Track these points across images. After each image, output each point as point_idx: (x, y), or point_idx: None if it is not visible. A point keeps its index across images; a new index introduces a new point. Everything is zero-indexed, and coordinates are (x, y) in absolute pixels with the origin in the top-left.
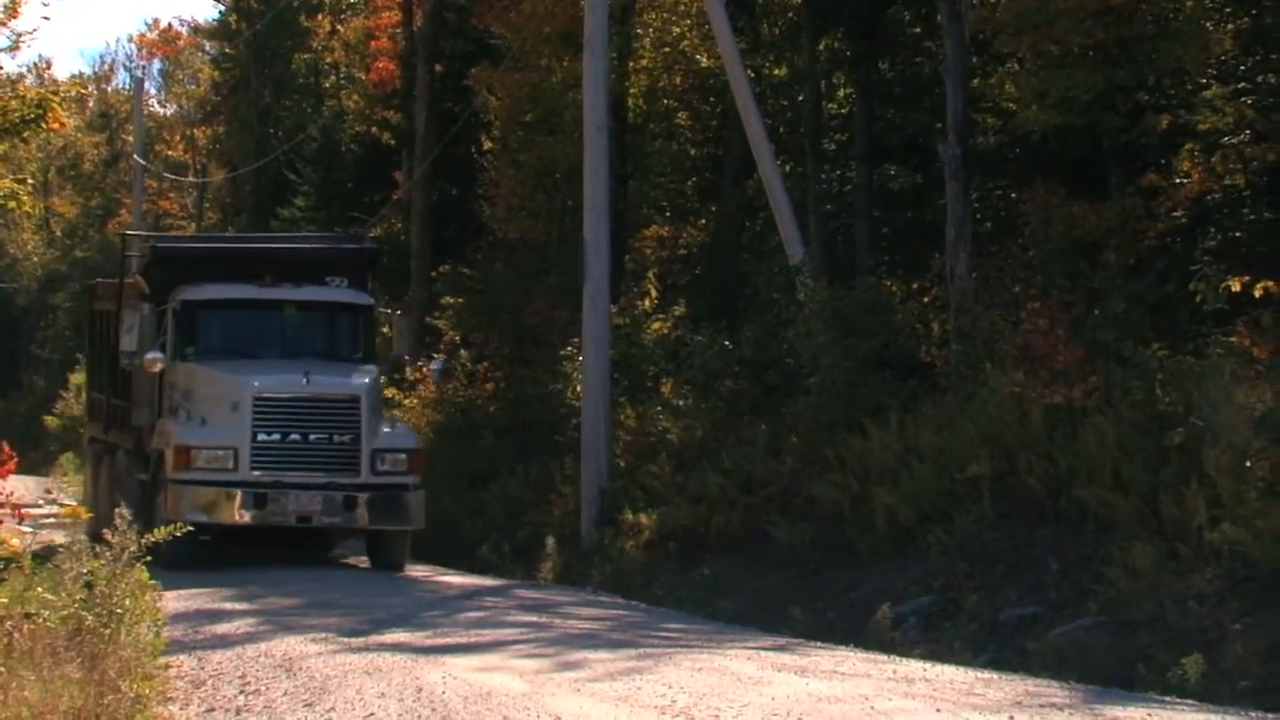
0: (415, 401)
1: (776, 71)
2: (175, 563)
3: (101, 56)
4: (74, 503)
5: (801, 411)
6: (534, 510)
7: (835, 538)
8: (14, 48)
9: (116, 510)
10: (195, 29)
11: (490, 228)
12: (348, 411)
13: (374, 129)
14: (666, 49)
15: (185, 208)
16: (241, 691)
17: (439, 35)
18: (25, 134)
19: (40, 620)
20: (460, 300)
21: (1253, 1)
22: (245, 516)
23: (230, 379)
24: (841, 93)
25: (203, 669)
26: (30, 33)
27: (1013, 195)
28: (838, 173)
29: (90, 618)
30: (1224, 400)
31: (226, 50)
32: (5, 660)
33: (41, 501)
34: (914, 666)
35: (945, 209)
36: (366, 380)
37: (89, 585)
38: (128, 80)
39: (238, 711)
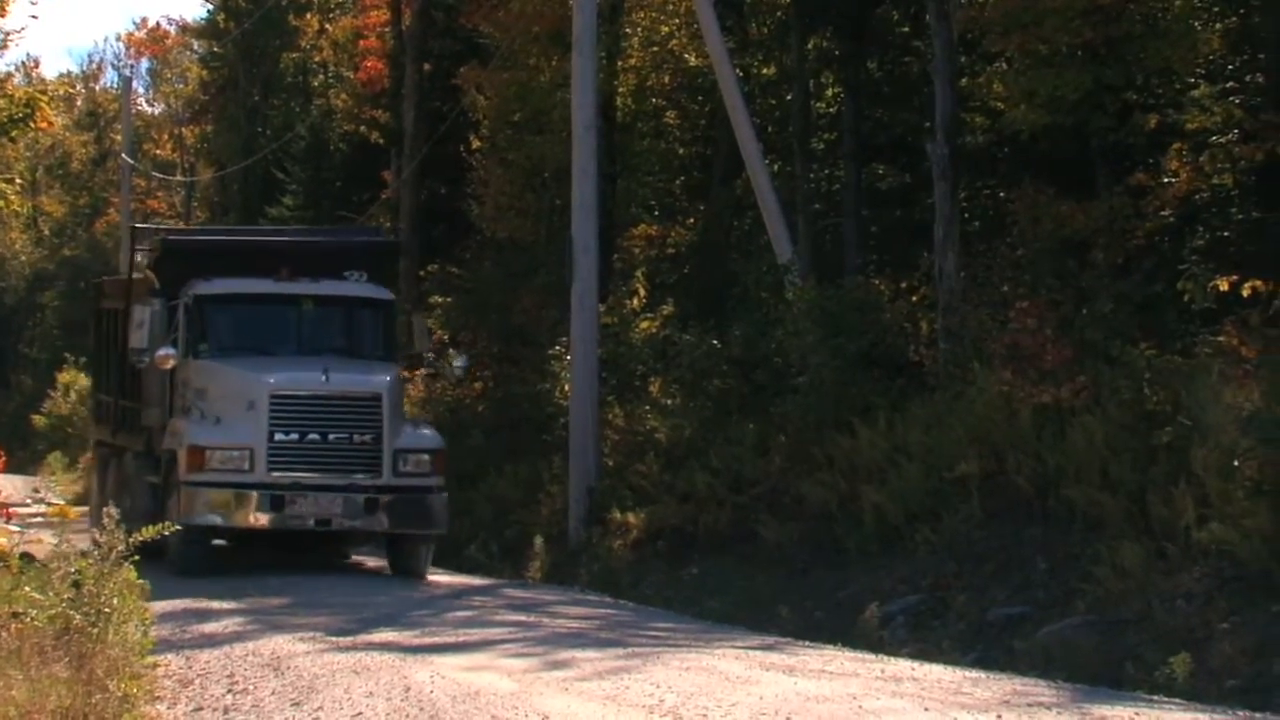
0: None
1: (765, 71)
2: (188, 569)
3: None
4: (62, 501)
5: (790, 411)
6: (522, 509)
7: (823, 537)
8: (2, 47)
9: (105, 510)
10: (183, 28)
11: (478, 227)
12: (369, 410)
13: (362, 128)
14: (655, 48)
15: (173, 207)
16: (229, 690)
17: (427, 34)
18: (13, 133)
19: (28, 619)
20: (448, 299)
21: (1241, 1)
22: (262, 520)
23: (246, 376)
24: (830, 92)
25: (190, 668)
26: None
27: (1001, 194)
28: (826, 172)
29: (78, 617)
30: (1212, 400)
31: (214, 49)
32: None
33: (29, 501)
34: (902, 665)
35: (933, 208)
36: (388, 378)
37: (77, 584)
38: (116, 79)
39: (225, 710)
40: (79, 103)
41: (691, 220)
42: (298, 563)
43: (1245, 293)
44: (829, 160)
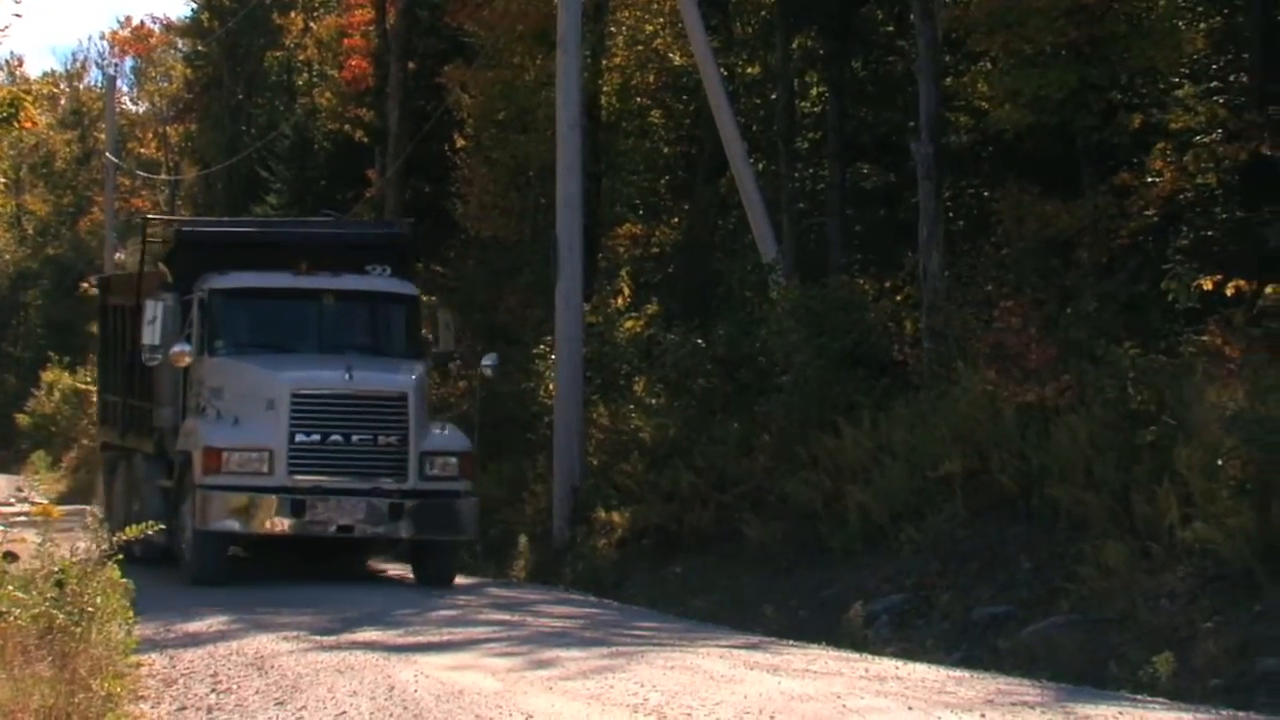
0: None
1: (749, 70)
2: (203, 577)
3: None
4: (46, 501)
5: (774, 410)
6: (506, 508)
7: (807, 536)
8: None
9: (88, 510)
10: (167, 26)
11: (463, 226)
12: (394, 410)
13: (347, 126)
14: (639, 47)
15: (158, 205)
16: (213, 690)
17: (412, 33)
18: None
19: (11, 619)
20: (433, 298)
21: (1224, 1)
22: (282, 525)
23: (265, 374)
24: (814, 91)
25: (174, 667)
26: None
27: (985, 194)
28: (810, 171)
29: (61, 616)
30: (1196, 399)
31: (199, 48)
32: None
33: (13, 500)
34: (886, 665)
35: (918, 207)
36: (414, 376)
37: (60, 584)
38: (100, 78)
39: (209, 710)
40: (63, 101)
41: (676, 219)
42: (316, 571)
43: (1229, 292)
44: (813, 159)
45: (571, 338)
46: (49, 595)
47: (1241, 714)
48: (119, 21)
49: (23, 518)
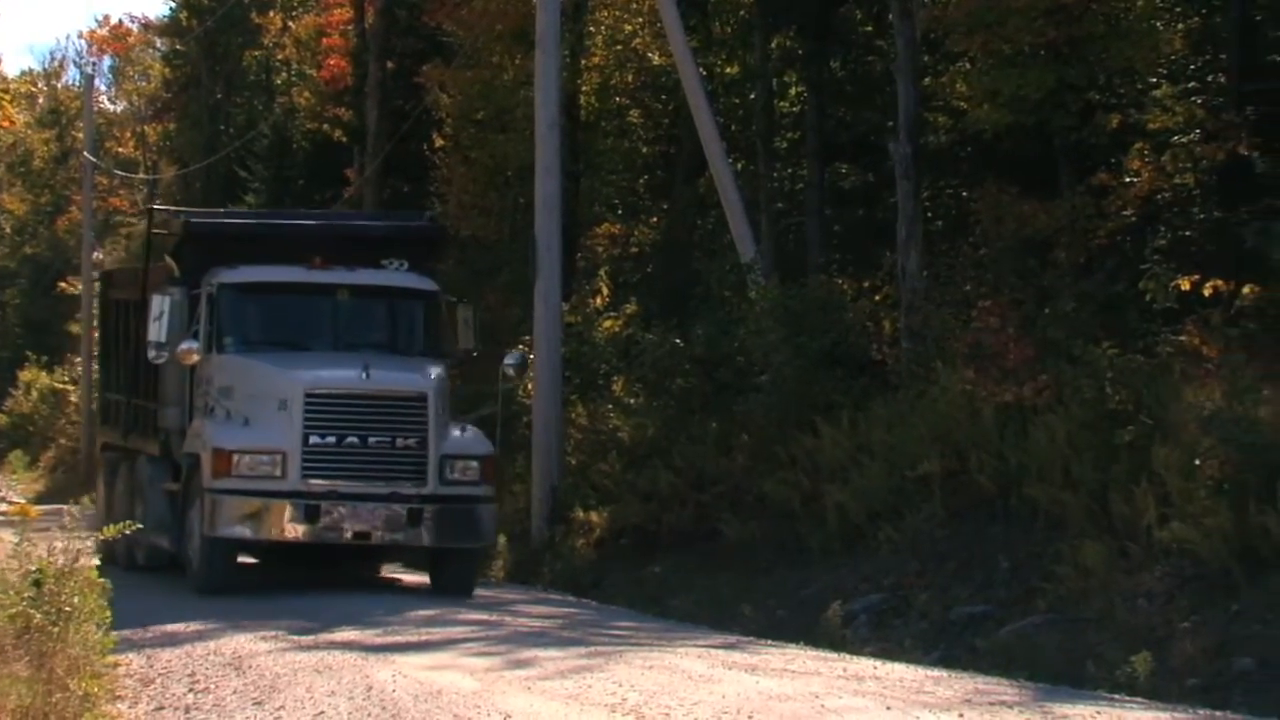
0: None
1: (728, 69)
2: (211, 585)
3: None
4: (23, 500)
5: (752, 409)
6: None
7: (786, 536)
8: None
9: (67, 509)
10: (146, 25)
11: (442, 225)
12: (413, 411)
13: (325, 126)
14: (618, 47)
15: (136, 204)
16: (191, 690)
17: (390, 32)
18: None
19: None
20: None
21: (1202, 1)
22: (295, 531)
23: (277, 373)
24: (793, 91)
25: (152, 667)
26: None
27: (964, 194)
28: (789, 171)
29: (38, 615)
30: (1173, 399)
31: (177, 47)
32: None
33: None
34: (864, 664)
35: (896, 207)
36: (433, 376)
37: (37, 583)
38: (78, 77)
39: (187, 710)
40: (40, 100)
41: (655, 219)
42: (310, 575)
43: (1207, 292)
44: (792, 159)
45: (550, 337)
46: (26, 595)
47: (1219, 714)
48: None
49: (0, 517)
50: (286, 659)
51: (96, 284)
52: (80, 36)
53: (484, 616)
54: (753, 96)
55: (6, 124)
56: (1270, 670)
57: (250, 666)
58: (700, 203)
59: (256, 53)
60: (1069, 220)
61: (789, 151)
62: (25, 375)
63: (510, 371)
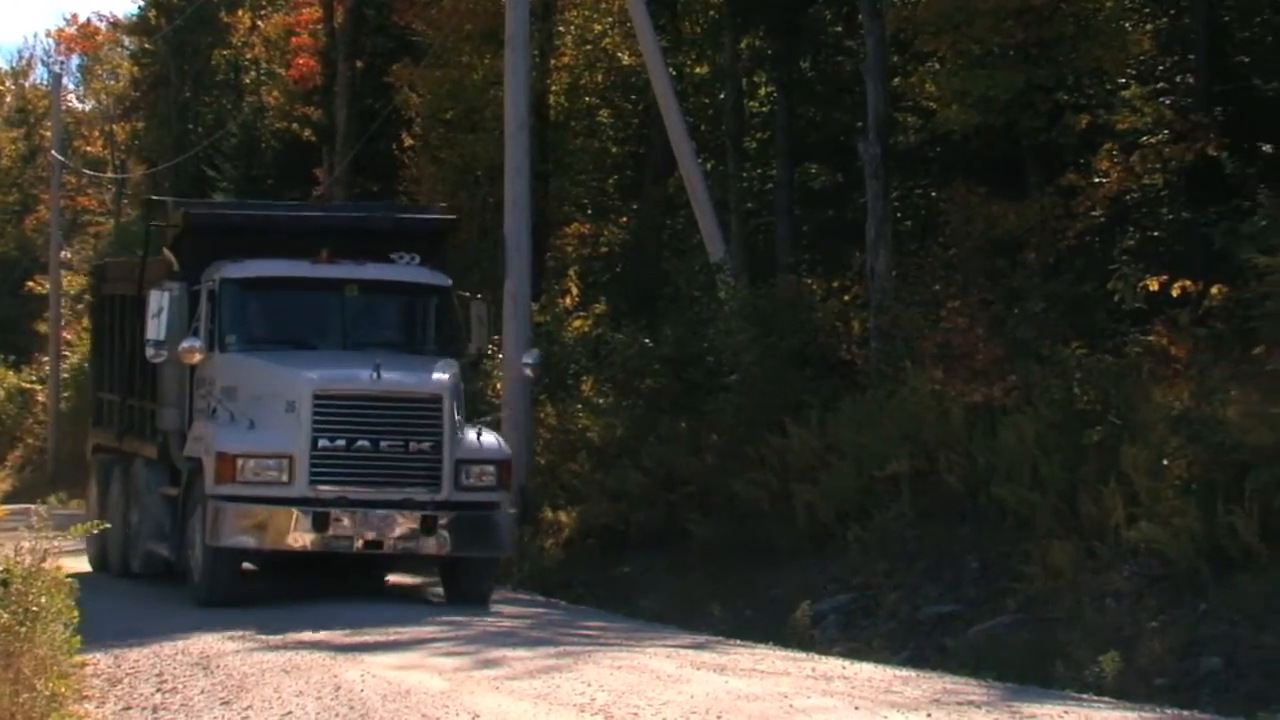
0: None
1: (698, 69)
2: (214, 597)
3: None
4: None
5: (722, 409)
6: None
7: (755, 535)
8: None
9: (34, 509)
10: (114, 24)
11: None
12: (428, 413)
13: (294, 125)
14: (588, 46)
15: (104, 204)
16: (158, 689)
17: (360, 32)
18: None
19: None
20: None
21: (1171, 2)
22: (303, 540)
23: (284, 373)
24: (762, 91)
25: (119, 667)
26: None
27: (933, 194)
28: (759, 171)
29: (5, 615)
30: (1142, 399)
31: (145, 46)
32: None
33: None
34: (833, 664)
35: (866, 207)
36: (448, 376)
37: (4, 583)
38: (46, 75)
39: (154, 710)
40: (8, 99)
41: (624, 219)
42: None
43: (1175, 293)
44: (761, 159)
45: (519, 337)
46: None
47: (1186, 713)
48: (65, 19)
49: None
50: (254, 659)
51: (88, 278)
52: (48, 35)
53: (452, 616)
54: (722, 96)
55: None
56: (1237, 670)
57: (218, 666)
58: (669, 202)
59: (225, 52)
60: (1038, 220)
61: (758, 151)
62: None
63: (528, 372)
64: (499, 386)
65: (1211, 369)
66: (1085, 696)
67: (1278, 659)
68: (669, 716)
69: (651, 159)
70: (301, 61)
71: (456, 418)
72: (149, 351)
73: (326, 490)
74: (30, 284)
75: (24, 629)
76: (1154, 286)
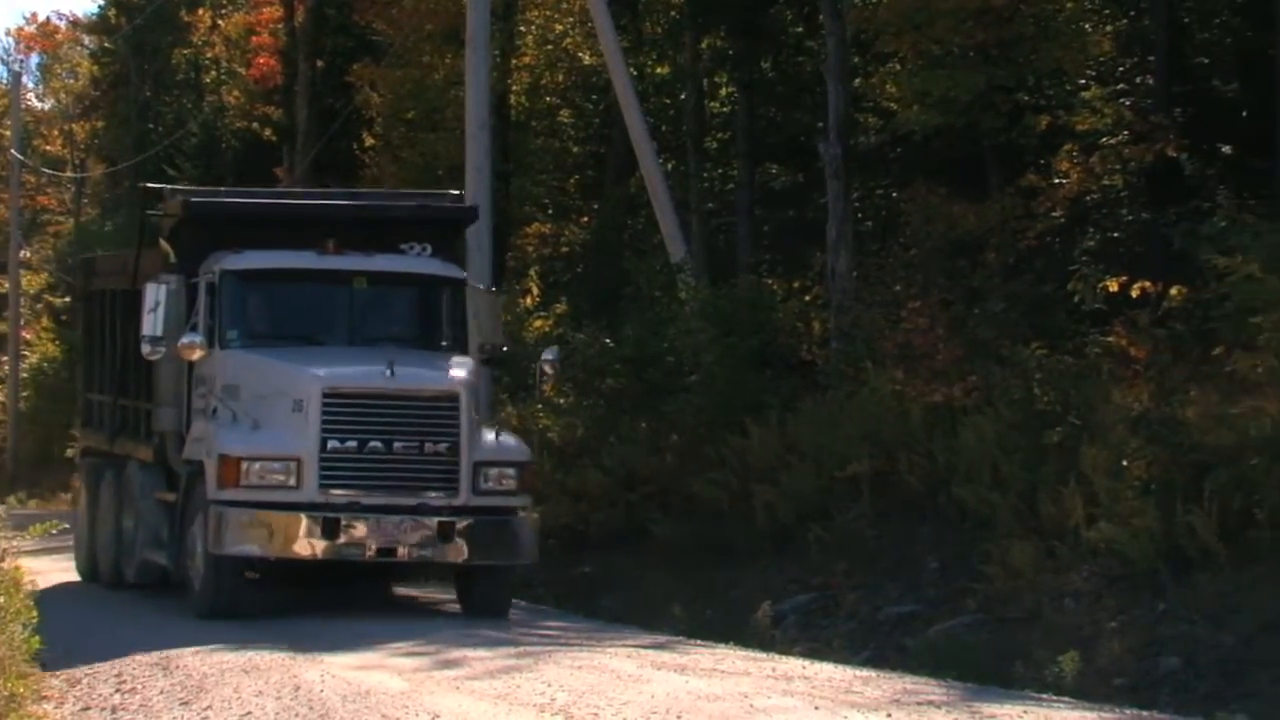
0: None
1: (659, 70)
2: (216, 608)
3: None
4: None
5: (682, 409)
6: None
7: (715, 536)
8: None
9: None
10: (74, 23)
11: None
12: (444, 413)
13: (255, 125)
14: (549, 46)
15: (64, 203)
16: (117, 690)
17: (320, 31)
18: None
19: None
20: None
21: (1130, 3)
22: (312, 548)
23: (292, 370)
24: (723, 91)
25: (78, 667)
26: None
27: (894, 195)
28: (719, 171)
29: None
30: (1101, 399)
31: (106, 45)
32: None
33: None
34: (793, 664)
35: (826, 208)
36: (465, 374)
37: None
38: (5, 74)
39: (113, 710)
40: None
41: (585, 219)
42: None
43: (1134, 293)
44: (722, 159)
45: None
46: None
47: (1145, 713)
48: (25, 18)
49: None
50: (214, 659)
51: (78, 274)
52: (8, 33)
53: (412, 617)
54: (683, 97)
55: None
56: (1196, 669)
57: (177, 666)
58: (630, 202)
59: (186, 51)
60: (998, 221)
61: (719, 152)
62: None
63: (548, 369)
64: None
65: (1171, 370)
66: (1045, 696)
67: (1236, 659)
68: (629, 717)
69: (612, 159)
70: (262, 61)
71: (475, 417)
72: (145, 348)
73: (337, 495)
74: None
75: None
76: (1114, 287)
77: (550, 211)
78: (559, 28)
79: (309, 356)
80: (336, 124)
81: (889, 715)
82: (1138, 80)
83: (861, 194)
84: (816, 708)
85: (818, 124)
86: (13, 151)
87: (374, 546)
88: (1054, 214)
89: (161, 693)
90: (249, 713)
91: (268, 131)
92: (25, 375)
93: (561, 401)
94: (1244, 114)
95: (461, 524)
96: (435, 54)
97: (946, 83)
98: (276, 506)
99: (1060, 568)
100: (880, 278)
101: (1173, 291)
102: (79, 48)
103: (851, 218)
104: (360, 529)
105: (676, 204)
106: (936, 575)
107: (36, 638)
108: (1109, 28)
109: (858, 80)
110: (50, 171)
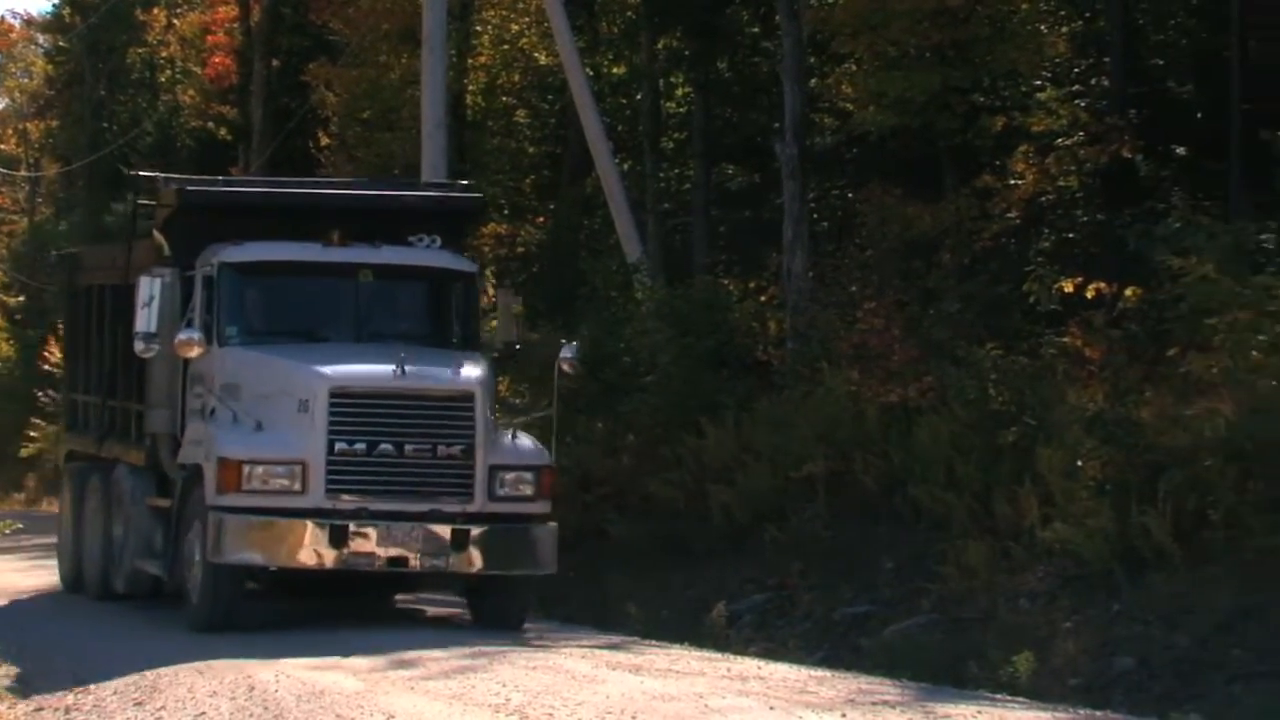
0: None
1: (615, 70)
2: (215, 621)
3: None
4: None
5: (638, 409)
6: None
7: (671, 535)
8: None
9: None
10: (28, 21)
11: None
12: (458, 414)
13: (210, 124)
14: (505, 46)
15: (17, 202)
16: (71, 690)
17: (276, 30)
18: None
19: None
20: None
21: (1086, 5)
22: (318, 557)
23: (296, 369)
24: (680, 91)
25: (33, 668)
26: None
27: (849, 195)
28: (676, 171)
29: None
30: (1056, 400)
31: (60, 44)
32: None
33: None
34: (748, 664)
35: (782, 208)
36: (479, 372)
37: None
38: None
39: (67, 710)
40: None
41: (541, 219)
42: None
43: (1090, 294)
44: (679, 160)
45: None
46: None
47: (1099, 713)
48: None
49: None
50: (168, 659)
51: (63, 270)
52: None
53: (368, 617)
54: (639, 97)
55: None
56: (1150, 670)
57: (132, 667)
58: (586, 203)
59: (141, 50)
60: (953, 222)
61: (675, 152)
62: None
63: (566, 366)
64: None
65: (1126, 370)
66: (999, 696)
67: (1190, 659)
68: (584, 717)
69: (568, 159)
70: (217, 60)
71: (490, 418)
72: (138, 345)
73: (345, 501)
74: None
75: None
76: (1069, 288)
77: (506, 211)
78: (515, 27)
79: (314, 354)
80: (292, 123)
81: (844, 715)
82: (1093, 81)
83: (817, 194)
84: (772, 708)
85: (774, 124)
86: None
87: (384, 556)
88: (1009, 215)
89: (115, 693)
90: (203, 713)
91: (223, 131)
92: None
93: (517, 401)
94: (1199, 115)
95: (476, 532)
96: (391, 54)
97: (902, 83)
98: (280, 513)
99: (1015, 568)
100: (836, 278)
101: (1128, 292)
102: (33, 46)
103: (807, 218)
104: (369, 537)
105: (632, 204)
106: (892, 575)
107: None
108: (1064, 29)
109: (814, 81)
110: (4, 170)
